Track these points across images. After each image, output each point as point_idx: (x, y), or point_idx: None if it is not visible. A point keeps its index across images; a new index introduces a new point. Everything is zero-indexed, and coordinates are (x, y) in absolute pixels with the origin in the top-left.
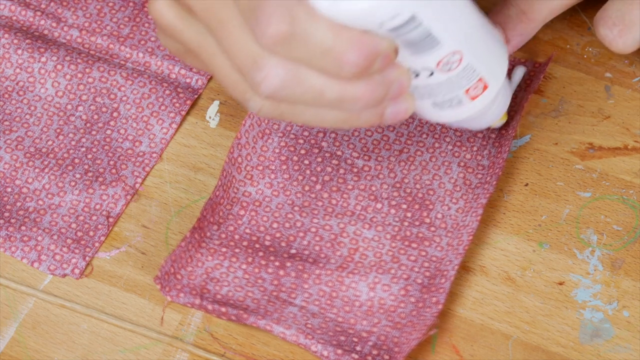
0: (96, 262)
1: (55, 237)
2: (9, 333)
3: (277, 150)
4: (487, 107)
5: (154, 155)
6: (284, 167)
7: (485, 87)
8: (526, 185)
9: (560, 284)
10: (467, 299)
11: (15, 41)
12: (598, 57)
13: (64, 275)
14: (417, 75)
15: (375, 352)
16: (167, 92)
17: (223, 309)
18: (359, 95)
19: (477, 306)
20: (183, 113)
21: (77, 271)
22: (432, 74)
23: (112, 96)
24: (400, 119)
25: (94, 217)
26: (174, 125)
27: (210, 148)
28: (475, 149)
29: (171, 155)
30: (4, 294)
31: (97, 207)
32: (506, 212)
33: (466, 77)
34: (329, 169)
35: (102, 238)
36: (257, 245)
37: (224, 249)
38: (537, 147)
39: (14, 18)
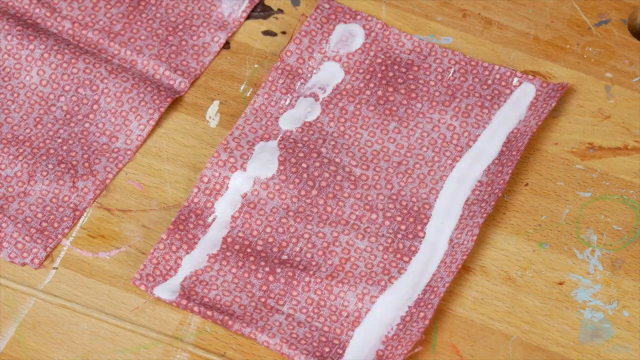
0: (96, 262)
1: (19, 225)
2: (9, 333)
3: (274, 152)
4: None
5: (129, 152)
6: (281, 167)
7: None
8: (526, 185)
9: (560, 283)
10: (467, 299)
11: (7, 27)
12: (598, 57)
13: (24, 264)
14: None
15: None
16: (149, 89)
17: (209, 312)
18: None
19: (477, 306)
20: (162, 110)
21: (36, 261)
22: None
23: (94, 87)
24: None
25: (61, 209)
26: (152, 122)
27: (210, 148)
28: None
29: (171, 155)
30: (4, 294)
31: (65, 199)
32: (506, 212)
33: None
34: (327, 175)
35: (66, 230)
36: (248, 250)
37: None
38: (537, 147)
39: (10, 4)
